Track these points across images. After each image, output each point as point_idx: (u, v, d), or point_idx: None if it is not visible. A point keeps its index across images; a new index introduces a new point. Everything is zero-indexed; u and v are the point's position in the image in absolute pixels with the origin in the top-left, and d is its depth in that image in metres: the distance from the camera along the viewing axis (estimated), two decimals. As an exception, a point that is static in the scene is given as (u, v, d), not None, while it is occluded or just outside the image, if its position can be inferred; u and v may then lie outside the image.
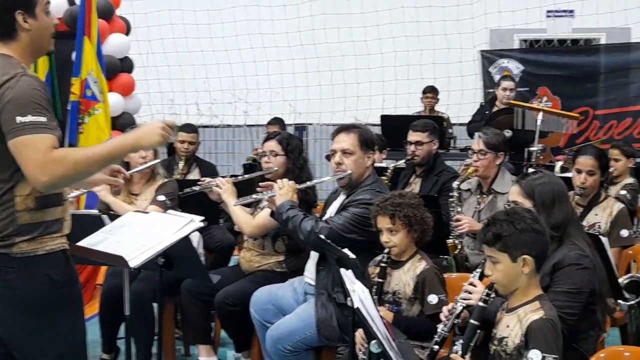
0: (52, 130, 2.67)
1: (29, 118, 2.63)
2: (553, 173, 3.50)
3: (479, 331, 2.95)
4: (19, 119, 2.62)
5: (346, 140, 4.11)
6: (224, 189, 4.65)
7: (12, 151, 2.64)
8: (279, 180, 4.25)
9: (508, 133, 7.23)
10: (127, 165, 4.96)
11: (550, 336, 2.74)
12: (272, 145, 4.73)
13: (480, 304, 2.95)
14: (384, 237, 3.67)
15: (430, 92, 9.68)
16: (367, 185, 4.08)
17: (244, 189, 4.77)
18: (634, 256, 4.77)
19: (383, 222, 3.66)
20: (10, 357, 2.85)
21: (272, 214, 4.24)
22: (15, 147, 2.63)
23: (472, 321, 2.95)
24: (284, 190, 4.13)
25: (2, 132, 2.66)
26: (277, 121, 8.13)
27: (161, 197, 4.90)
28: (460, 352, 2.90)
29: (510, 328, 2.87)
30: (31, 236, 2.76)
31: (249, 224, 4.62)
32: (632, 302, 4.23)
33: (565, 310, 3.06)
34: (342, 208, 4.06)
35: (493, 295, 2.97)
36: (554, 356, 2.72)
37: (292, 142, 4.78)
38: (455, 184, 5.01)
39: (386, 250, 3.68)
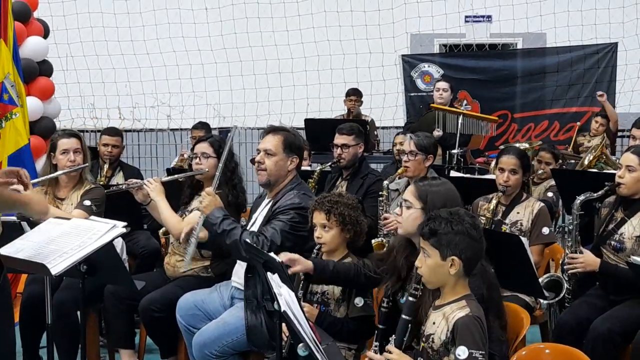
0: None
1: None
2: (450, 182, 3.54)
3: (410, 325, 3.00)
4: None
5: (270, 141, 4.14)
6: (152, 188, 4.60)
7: None
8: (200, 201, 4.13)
9: (438, 132, 7.37)
10: (55, 168, 4.87)
11: (476, 333, 2.79)
12: (204, 147, 4.72)
13: (410, 298, 2.99)
14: (317, 233, 3.71)
15: (354, 95, 9.74)
16: (292, 190, 4.09)
17: (172, 189, 4.73)
18: (552, 255, 4.91)
19: (318, 218, 3.70)
20: None
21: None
22: None
23: (404, 316, 2.99)
24: (208, 197, 4.04)
25: None
26: (203, 126, 8.01)
27: (87, 202, 4.79)
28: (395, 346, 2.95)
29: (437, 325, 2.92)
30: None
31: (177, 227, 4.56)
32: (552, 301, 4.35)
33: None
34: (271, 215, 4.04)
35: (421, 288, 3.02)
36: (480, 352, 2.77)
37: (224, 144, 4.76)
38: (385, 183, 5.10)
39: (317, 247, 3.71)
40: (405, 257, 3.35)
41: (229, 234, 3.90)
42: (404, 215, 3.33)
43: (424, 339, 2.98)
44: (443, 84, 8.20)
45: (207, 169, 4.65)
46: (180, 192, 4.90)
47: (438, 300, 2.99)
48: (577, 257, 4.26)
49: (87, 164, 4.97)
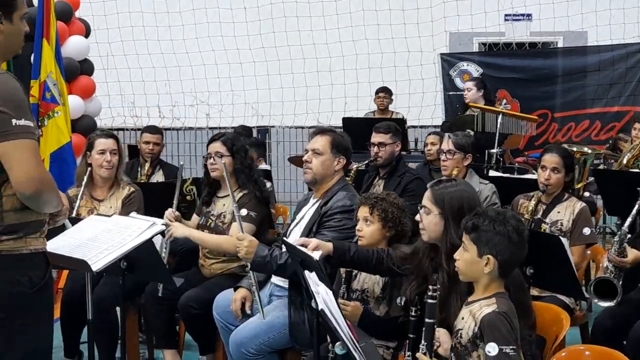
0: (35, 136, 2.71)
1: (23, 122, 2.65)
2: (469, 184, 3.51)
3: (436, 327, 2.99)
4: (14, 121, 2.64)
5: (318, 141, 4.17)
6: (174, 230, 4.51)
7: (2, 152, 2.65)
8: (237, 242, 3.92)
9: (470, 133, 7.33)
10: (91, 167, 4.90)
11: (504, 328, 2.76)
12: (217, 146, 4.70)
13: (430, 301, 2.99)
14: (358, 226, 3.75)
15: (383, 92, 9.69)
16: (340, 190, 4.11)
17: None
18: (593, 256, 4.85)
19: (362, 212, 3.75)
20: None
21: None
22: (8, 149, 2.64)
23: (427, 320, 2.98)
24: (245, 243, 3.85)
25: None
26: (244, 129, 7.85)
27: (134, 214, 4.75)
28: (427, 352, 2.94)
29: (465, 320, 2.91)
30: (17, 236, 2.76)
31: (231, 242, 4.37)
32: (609, 304, 4.27)
33: None
34: (321, 217, 4.03)
35: (438, 288, 3.02)
36: (511, 347, 2.73)
37: (237, 142, 4.75)
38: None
39: (355, 239, 3.75)
40: (431, 260, 3.35)
41: (286, 266, 3.80)
42: (424, 221, 3.30)
43: (454, 334, 2.98)
44: (468, 83, 8.18)
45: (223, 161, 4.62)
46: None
47: (471, 297, 2.98)
48: (624, 261, 4.23)
49: (121, 165, 4.99)
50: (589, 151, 6.40)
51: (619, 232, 4.36)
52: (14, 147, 2.64)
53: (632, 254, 4.24)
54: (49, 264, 2.89)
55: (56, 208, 2.89)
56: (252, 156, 4.82)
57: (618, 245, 4.29)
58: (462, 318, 2.94)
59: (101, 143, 4.88)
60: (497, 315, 2.79)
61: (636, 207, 4.44)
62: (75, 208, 4.73)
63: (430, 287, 2.99)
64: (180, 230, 4.54)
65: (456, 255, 2.96)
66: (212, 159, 4.69)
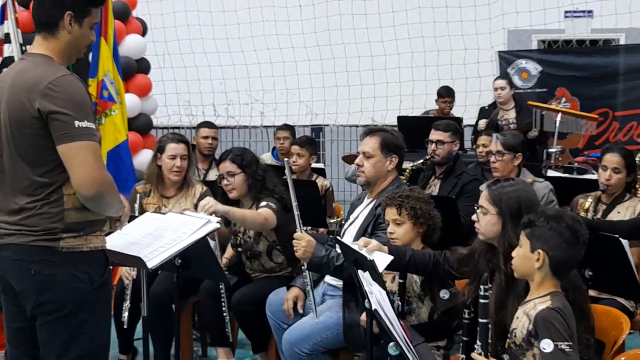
0: (97, 137, 2.75)
1: (85, 123, 2.70)
2: (527, 183, 3.45)
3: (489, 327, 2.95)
4: (77, 123, 2.68)
5: (368, 144, 4.15)
6: (213, 205, 4.29)
7: (64, 153, 2.69)
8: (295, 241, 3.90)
9: (534, 132, 7.21)
10: (160, 169, 4.93)
11: (558, 324, 2.72)
12: (227, 166, 4.66)
13: (482, 300, 2.94)
14: (389, 228, 3.72)
15: (447, 96, 9.24)
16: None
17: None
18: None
19: (390, 214, 3.72)
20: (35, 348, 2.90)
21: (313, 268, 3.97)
22: (69, 150, 2.69)
23: (481, 320, 2.93)
24: (302, 243, 3.85)
25: (45, 126, 2.70)
26: (287, 127, 7.77)
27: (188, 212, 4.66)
28: (482, 353, 2.90)
29: (519, 319, 2.89)
30: (77, 234, 2.81)
31: (256, 219, 4.43)
32: None
33: None
34: (376, 218, 3.99)
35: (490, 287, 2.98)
36: (567, 343, 2.69)
37: (246, 156, 4.70)
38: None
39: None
40: (487, 260, 3.31)
41: (343, 268, 3.79)
42: (481, 221, 3.29)
43: (509, 335, 2.95)
44: (499, 82, 8.06)
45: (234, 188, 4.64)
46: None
47: (527, 298, 2.95)
48: None
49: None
50: None
51: None
52: (76, 149, 2.69)
53: None
54: (108, 262, 2.93)
55: (117, 212, 2.93)
56: (264, 166, 4.77)
57: None
58: (517, 317, 2.92)
59: (172, 148, 4.89)
60: (551, 311, 2.77)
61: None
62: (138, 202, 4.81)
63: (482, 286, 2.95)
64: (220, 205, 4.31)
65: (513, 253, 2.96)
66: (225, 179, 4.66)
